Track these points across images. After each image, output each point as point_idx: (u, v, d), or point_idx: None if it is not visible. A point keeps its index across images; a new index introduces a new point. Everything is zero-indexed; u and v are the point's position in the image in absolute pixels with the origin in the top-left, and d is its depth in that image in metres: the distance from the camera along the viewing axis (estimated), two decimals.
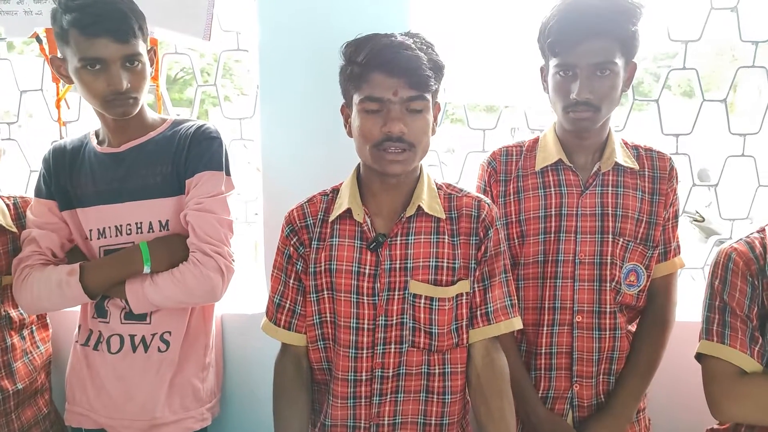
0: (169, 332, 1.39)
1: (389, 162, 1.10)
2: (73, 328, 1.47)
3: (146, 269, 1.31)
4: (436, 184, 1.23)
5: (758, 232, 1.20)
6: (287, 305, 1.24)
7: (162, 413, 1.39)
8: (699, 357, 1.18)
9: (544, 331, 1.34)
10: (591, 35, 1.18)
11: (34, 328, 1.53)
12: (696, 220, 3.27)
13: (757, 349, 1.13)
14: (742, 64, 1.77)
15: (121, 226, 1.36)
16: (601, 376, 1.35)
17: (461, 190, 1.24)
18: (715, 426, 1.28)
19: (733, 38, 1.77)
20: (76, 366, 1.44)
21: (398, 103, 1.09)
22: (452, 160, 1.89)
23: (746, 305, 1.14)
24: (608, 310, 1.32)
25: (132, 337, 1.38)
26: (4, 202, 1.45)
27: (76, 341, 1.45)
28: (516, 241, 1.36)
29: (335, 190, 1.25)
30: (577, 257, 1.31)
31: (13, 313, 1.45)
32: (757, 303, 1.14)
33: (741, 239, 1.20)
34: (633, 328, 1.40)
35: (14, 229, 1.42)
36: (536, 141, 1.40)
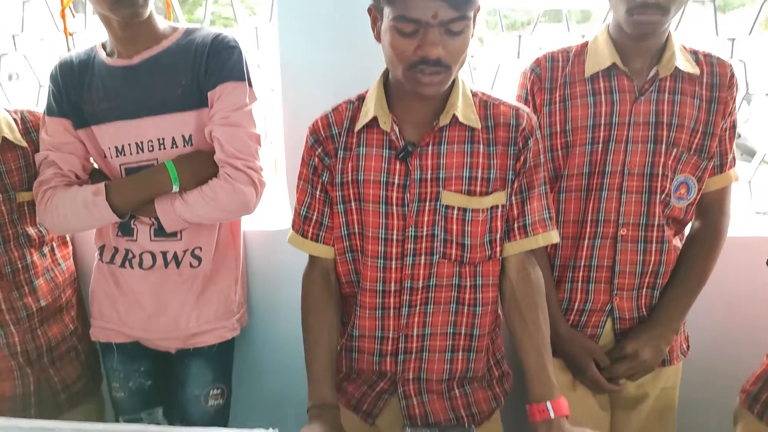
0: (200, 248, 1.39)
1: (424, 85, 1.01)
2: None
3: (174, 188, 1.27)
4: (471, 91, 1.14)
5: None
6: (314, 217, 1.19)
7: (197, 324, 1.41)
8: None
9: (585, 244, 1.29)
10: None
11: (54, 245, 1.51)
12: None
13: None
14: None
15: (141, 142, 1.30)
16: (644, 290, 1.31)
17: (497, 98, 1.15)
18: (747, 387, 1.22)
19: None
20: (102, 283, 1.44)
21: (437, 26, 0.96)
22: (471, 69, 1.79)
23: None
24: (656, 222, 1.26)
25: (164, 253, 1.37)
26: (12, 116, 1.40)
27: (99, 260, 1.44)
28: (560, 152, 1.28)
29: (361, 98, 1.17)
30: (626, 168, 1.24)
31: (31, 231, 1.43)
32: None
33: None
34: (678, 243, 1.34)
35: (24, 144, 1.39)
36: (584, 45, 1.29)
